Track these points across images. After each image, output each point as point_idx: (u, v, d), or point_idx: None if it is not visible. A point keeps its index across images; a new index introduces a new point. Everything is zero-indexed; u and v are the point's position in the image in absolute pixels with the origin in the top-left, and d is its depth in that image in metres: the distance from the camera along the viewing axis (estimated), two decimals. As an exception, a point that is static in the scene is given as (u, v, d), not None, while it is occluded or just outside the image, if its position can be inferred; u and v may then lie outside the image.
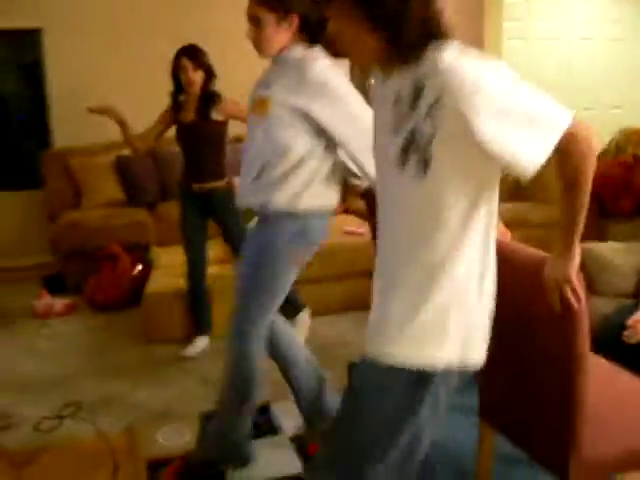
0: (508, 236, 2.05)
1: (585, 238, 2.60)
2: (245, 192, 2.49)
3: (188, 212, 3.78)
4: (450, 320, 1.52)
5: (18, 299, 4.80)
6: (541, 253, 1.86)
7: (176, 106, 3.69)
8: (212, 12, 5.73)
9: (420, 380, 1.52)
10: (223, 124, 3.69)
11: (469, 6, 5.57)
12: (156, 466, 2.79)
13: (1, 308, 4.53)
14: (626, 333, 2.78)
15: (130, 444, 2.99)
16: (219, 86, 3.71)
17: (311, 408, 2.82)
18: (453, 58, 1.39)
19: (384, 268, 1.61)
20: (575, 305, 1.74)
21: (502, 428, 2.27)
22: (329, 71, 2.30)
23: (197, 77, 3.58)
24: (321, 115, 2.29)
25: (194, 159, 3.73)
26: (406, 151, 1.45)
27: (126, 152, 5.57)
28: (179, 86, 3.64)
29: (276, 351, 2.75)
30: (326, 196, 2.45)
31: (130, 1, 5.75)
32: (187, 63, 3.55)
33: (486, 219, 1.53)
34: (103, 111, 3.51)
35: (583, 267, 3.32)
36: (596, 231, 3.91)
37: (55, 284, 5.00)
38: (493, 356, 2.21)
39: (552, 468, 2.03)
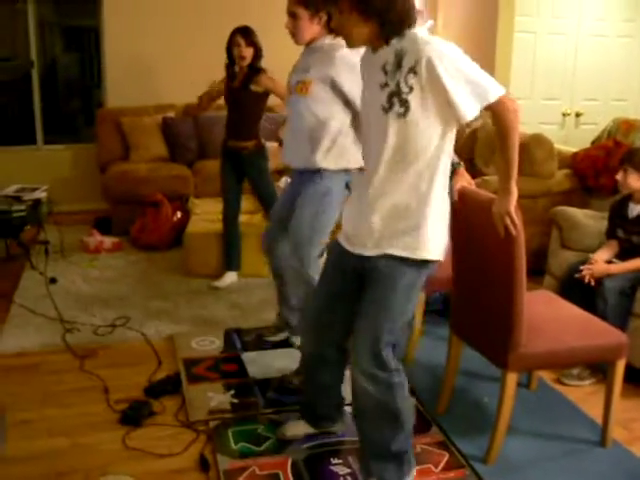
0: (472, 184, 2.67)
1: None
2: (294, 155, 3.18)
3: (226, 165, 4.45)
4: (431, 226, 2.19)
5: (74, 238, 5.47)
6: (491, 195, 2.47)
7: (231, 76, 4.32)
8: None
9: (422, 266, 2.23)
10: (262, 95, 4.31)
11: (485, 1, 6.14)
12: (191, 363, 3.49)
13: (60, 245, 5.21)
14: (581, 267, 3.39)
15: (170, 347, 3.69)
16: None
17: (290, 316, 3.56)
18: (425, 36, 2.08)
19: (374, 187, 2.21)
20: (513, 232, 2.38)
21: (465, 336, 2.93)
22: (351, 54, 2.92)
23: (248, 53, 4.20)
24: (345, 85, 2.97)
25: (233, 121, 4.39)
26: (391, 99, 2.09)
27: (171, 114, 6.27)
28: (231, 59, 4.27)
29: (278, 267, 3.47)
30: (358, 155, 3.11)
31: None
32: (241, 40, 4.17)
33: (449, 150, 2.19)
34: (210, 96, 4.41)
35: (557, 225, 3.97)
36: (579, 204, 4.49)
37: (104, 226, 5.70)
38: (459, 279, 2.89)
39: (497, 362, 2.68)
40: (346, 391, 2.59)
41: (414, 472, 2.48)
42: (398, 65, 2.07)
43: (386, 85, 2.11)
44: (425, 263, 2.24)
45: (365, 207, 2.25)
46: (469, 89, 2.03)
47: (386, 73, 2.11)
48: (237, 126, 4.37)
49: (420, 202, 2.18)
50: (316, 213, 3.11)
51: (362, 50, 2.32)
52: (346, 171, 3.10)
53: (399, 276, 2.22)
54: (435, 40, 2.06)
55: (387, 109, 2.11)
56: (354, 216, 2.32)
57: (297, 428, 2.81)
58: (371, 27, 2.11)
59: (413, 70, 2.04)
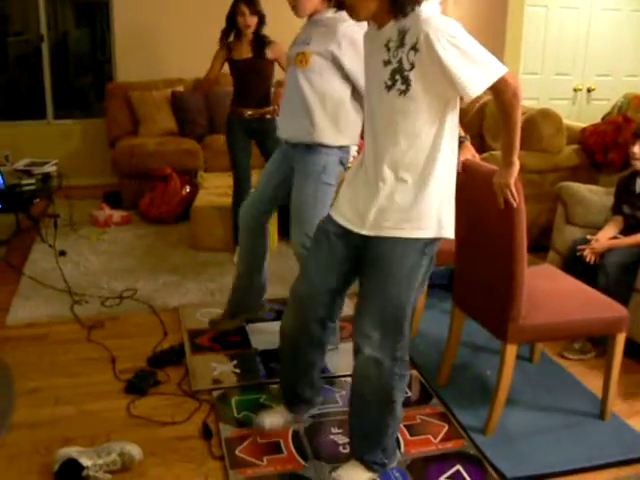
0: (477, 157, 2.68)
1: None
2: (291, 128, 3.12)
3: (236, 136, 4.43)
4: (438, 204, 2.18)
5: (83, 211, 5.51)
6: (493, 167, 2.48)
7: (228, 45, 4.32)
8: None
9: (426, 245, 2.20)
10: (272, 63, 4.33)
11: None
12: (195, 334, 3.54)
13: (69, 218, 5.25)
14: (581, 247, 3.41)
15: (177, 319, 3.73)
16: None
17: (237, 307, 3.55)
18: (428, 14, 2.05)
19: (377, 166, 2.20)
20: (514, 204, 2.39)
21: (467, 308, 2.95)
22: (354, 30, 2.91)
23: (252, 21, 4.20)
24: (346, 60, 2.93)
25: (247, 90, 4.36)
26: (394, 76, 2.09)
27: (180, 88, 6.27)
28: (232, 28, 4.27)
29: (250, 253, 3.43)
30: (355, 132, 3.12)
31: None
32: (245, 9, 4.16)
33: (453, 130, 2.17)
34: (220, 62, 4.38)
35: (562, 201, 3.97)
36: (587, 180, 4.48)
37: (114, 200, 5.73)
38: (461, 251, 2.90)
39: (497, 333, 2.70)
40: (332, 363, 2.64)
41: (398, 457, 2.52)
42: (401, 42, 2.06)
43: (389, 62, 2.10)
44: (429, 242, 2.21)
45: (365, 185, 2.24)
46: (472, 67, 2.01)
47: (389, 50, 2.10)
48: (252, 95, 4.36)
49: (423, 180, 2.16)
50: (316, 191, 3.08)
51: (365, 25, 2.30)
52: (341, 147, 3.08)
53: (401, 257, 2.19)
54: (437, 17, 2.03)
55: (390, 86, 2.10)
56: (353, 194, 2.30)
57: (275, 418, 2.71)
58: (380, 1, 2.08)
59: (414, 47, 2.02)
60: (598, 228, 3.71)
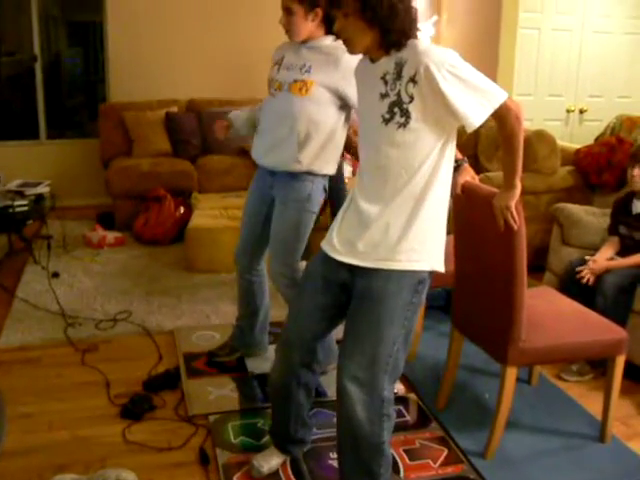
0: (476, 179, 2.67)
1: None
2: (276, 156, 2.99)
3: None
4: (430, 236, 2.15)
5: (76, 232, 5.49)
6: (494, 189, 2.47)
7: None
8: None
9: (419, 281, 2.15)
10: None
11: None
12: (191, 358, 3.50)
13: (62, 239, 5.22)
14: (580, 268, 3.40)
15: (171, 342, 3.70)
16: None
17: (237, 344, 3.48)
18: (426, 45, 2.04)
19: (372, 198, 2.16)
20: (514, 227, 2.38)
21: (466, 331, 2.93)
22: (356, 59, 2.90)
23: None
24: (349, 93, 2.82)
25: None
26: (392, 109, 2.07)
27: (174, 109, 6.27)
28: None
29: (253, 297, 3.37)
30: (337, 161, 3.07)
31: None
32: None
33: (449, 159, 2.15)
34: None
35: (558, 222, 3.98)
36: (582, 201, 4.49)
37: (107, 221, 5.71)
38: (461, 274, 2.89)
39: (497, 356, 2.69)
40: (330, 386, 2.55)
41: None
42: (398, 75, 2.05)
43: (386, 95, 2.08)
44: (422, 277, 2.16)
45: (357, 217, 2.19)
46: (473, 96, 2.00)
47: (386, 83, 2.08)
48: None
49: (416, 212, 2.11)
50: (300, 219, 3.01)
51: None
52: (325, 176, 3.03)
53: (393, 292, 2.12)
54: (435, 48, 2.03)
55: (388, 119, 2.08)
56: (345, 225, 2.25)
57: (271, 461, 2.61)
58: (373, 35, 2.07)
59: (413, 79, 2.01)
60: (594, 249, 3.72)
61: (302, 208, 3.00)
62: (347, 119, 2.98)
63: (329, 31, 2.90)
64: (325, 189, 3.06)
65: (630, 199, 3.61)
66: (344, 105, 2.92)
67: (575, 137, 6.49)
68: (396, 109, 2.06)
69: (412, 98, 2.03)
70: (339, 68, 2.85)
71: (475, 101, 2.01)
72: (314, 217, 3.06)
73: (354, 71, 2.31)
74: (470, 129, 2.05)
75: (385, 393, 2.16)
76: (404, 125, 2.05)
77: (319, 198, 3.05)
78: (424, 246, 2.14)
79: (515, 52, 6.10)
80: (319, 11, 2.86)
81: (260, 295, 3.36)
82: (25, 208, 4.76)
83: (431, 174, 2.11)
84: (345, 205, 2.30)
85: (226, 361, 3.46)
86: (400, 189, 2.12)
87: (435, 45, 2.06)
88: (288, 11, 2.87)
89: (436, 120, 2.05)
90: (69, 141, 6.64)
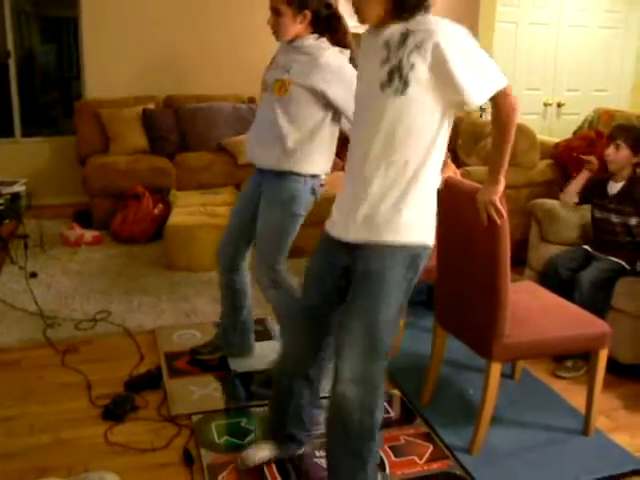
0: (458, 174, 2.67)
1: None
2: (262, 154, 2.99)
3: None
4: (424, 210, 2.13)
5: (53, 231, 5.41)
6: (476, 184, 2.46)
7: None
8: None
9: (413, 256, 2.13)
10: None
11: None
12: (172, 357, 3.47)
13: (39, 239, 5.14)
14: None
15: (152, 341, 3.66)
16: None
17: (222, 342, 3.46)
18: (436, 19, 2.01)
19: (365, 171, 2.12)
20: (498, 221, 2.37)
21: (449, 327, 2.93)
22: (336, 57, 2.85)
23: None
24: (330, 91, 2.82)
25: None
26: (391, 75, 2.03)
27: (151, 106, 6.20)
28: None
29: (234, 295, 3.34)
30: (328, 161, 3.04)
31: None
32: None
33: (443, 142, 2.13)
34: None
35: (536, 219, 3.99)
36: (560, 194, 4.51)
37: (85, 219, 5.63)
38: (443, 269, 2.88)
39: (481, 352, 2.69)
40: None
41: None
42: (403, 42, 2.02)
43: (387, 60, 2.05)
44: (416, 252, 2.14)
45: (353, 189, 2.17)
46: (478, 75, 1.99)
47: (389, 49, 2.05)
48: None
49: (409, 186, 2.09)
50: (282, 221, 2.98)
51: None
52: (313, 176, 2.98)
53: (389, 267, 2.11)
54: (446, 23, 2.00)
55: (385, 85, 2.04)
56: (342, 199, 2.23)
57: (263, 452, 2.60)
58: (385, 5, 2.04)
59: (417, 49, 1.98)
60: (572, 244, 3.76)
61: (285, 210, 2.96)
62: (336, 119, 2.95)
63: (317, 32, 2.87)
64: (314, 190, 3.02)
65: (606, 181, 3.64)
66: (328, 104, 2.88)
67: (553, 131, 6.53)
68: (395, 75, 2.03)
69: (413, 66, 2.00)
70: (318, 68, 2.83)
71: (480, 80, 2.01)
72: (299, 219, 3.01)
73: (362, 37, 2.24)
74: (471, 106, 2.04)
75: (376, 379, 2.16)
76: (401, 92, 2.02)
77: (307, 199, 3.00)
78: (418, 220, 2.13)
79: (493, 46, 6.13)
80: (308, 13, 2.82)
81: (242, 294, 3.33)
82: (1, 207, 4.68)
83: (423, 151, 2.08)
84: (342, 181, 2.28)
85: (208, 359, 3.43)
86: (391, 162, 2.08)
87: (447, 20, 2.02)
88: (276, 12, 2.84)
89: (435, 95, 2.03)
90: (45, 139, 6.52)
